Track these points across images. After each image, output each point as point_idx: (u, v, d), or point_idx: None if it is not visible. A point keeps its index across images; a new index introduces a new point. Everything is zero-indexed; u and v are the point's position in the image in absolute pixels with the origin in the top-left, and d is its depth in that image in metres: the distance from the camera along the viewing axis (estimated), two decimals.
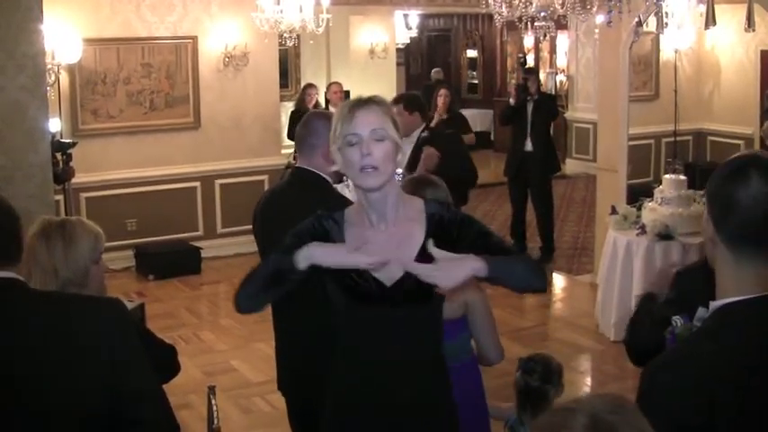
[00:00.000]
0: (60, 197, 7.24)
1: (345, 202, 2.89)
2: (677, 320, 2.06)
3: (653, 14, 5.58)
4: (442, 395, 2.51)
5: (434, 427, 2.48)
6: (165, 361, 2.82)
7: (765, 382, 1.62)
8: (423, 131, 6.17)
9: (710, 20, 4.62)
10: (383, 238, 2.39)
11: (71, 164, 7.05)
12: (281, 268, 2.35)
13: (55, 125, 7.10)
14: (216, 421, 3.12)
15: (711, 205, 1.70)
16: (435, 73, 15.18)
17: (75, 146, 7.13)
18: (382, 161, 2.32)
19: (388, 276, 2.37)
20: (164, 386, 3.14)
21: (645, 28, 6.73)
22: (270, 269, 2.38)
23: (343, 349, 2.49)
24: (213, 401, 3.20)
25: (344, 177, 2.47)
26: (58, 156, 6.94)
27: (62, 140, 7.18)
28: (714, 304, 1.72)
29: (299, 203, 2.50)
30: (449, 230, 2.41)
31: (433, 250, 2.26)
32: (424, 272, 2.23)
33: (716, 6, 4.87)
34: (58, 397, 2.03)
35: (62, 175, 7.02)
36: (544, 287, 2.48)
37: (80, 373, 2.05)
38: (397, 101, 6.11)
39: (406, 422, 2.43)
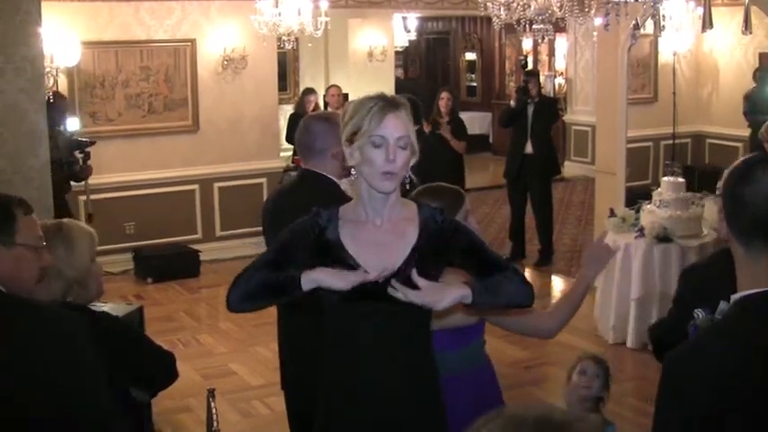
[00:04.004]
0: (83, 197, 7.27)
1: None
2: (699, 313, 2.12)
3: (650, 17, 5.59)
4: (431, 394, 2.51)
5: (423, 425, 2.49)
6: (164, 367, 2.84)
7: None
8: None
9: (707, 23, 4.63)
10: (378, 233, 2.43)
11: (89, 162, 7.08)
12: (283, 284, 2.37)
13: (73, 124, 7.12)
14: (215, 424, 3.12)
15: (724, 203, 1.80)
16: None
17: (94, 144, 7.16)
18: (401, 168, 2.37)
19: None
20: (163, 389, 3.15)
21: (643, 31, 6.75)
22: (271, 280, 2.40)
23: (331, 346, 2.49)
24: (213, 405, 3.20)
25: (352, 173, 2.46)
26: (77, 154, 7.00)
27: (80, 139, 7.20)
28: (734, 297, 1.80)
29: (308, 206, 2.51)
30: (441, 235, 2.44)
31: (419, 280, 2.32)
32: (413, 296, 2.29)
33: (714, 9, 4.88)
34: (5, 407, 2.02)
35: (80, 173, 7.05)
36: (530, 303, 2.51)
37: (25, 384, 2.03)
38: None
39: (396, 419, 2.44)
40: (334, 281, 2.33)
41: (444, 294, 2.32)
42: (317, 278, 2.34)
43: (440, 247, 2.44)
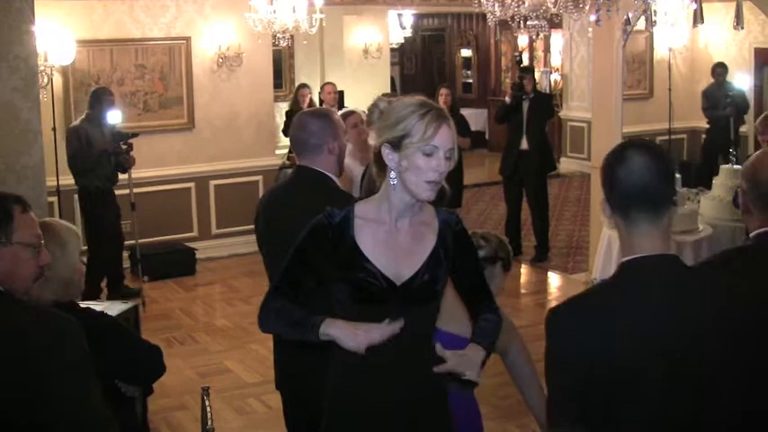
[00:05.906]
0: (126, 191, 7.30)
1: (350, 200, 2.89)
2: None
3: (642, 13, 5.60)
4: (440, 396, 2.52)
5: (433, 427, 2.50)
6: (152, 362, 2.85)
7: (649, 332, 1.87)
8: None
9: (699, 18, 4.65)
10: (398, 237, 2.44)
11: (132, 153, 7.14)
12: (303, 327, 2.42)
13: (115, 117, 7.14)
14: (209, 423, 3.12)
15: (603, 182, 2.00)
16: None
17: (137, 136, 7.21)
18: (444, 178, 2.40)
19: (398, 276, 2.41)
20: (158, 387, 3.16)
21: (637, 26, 6.75)
22: (294, 321, 2.44)
23: (342, 349, 2.48)
24: (207, 403, 3.20)
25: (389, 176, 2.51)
26: (121, 145, 7.07)
27: (121, 131, 7.21)
28: (619, 263, 2.00)
29: (305, 203, 2.50)
30: (456, 242, 2.49)
31: (443, 352, 2.36)
32: (453, 365, 2.36)
33: (709, 5, 4.90)
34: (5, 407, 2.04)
35: (125, 164, 7.08)
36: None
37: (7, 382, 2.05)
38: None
39: (406, 421, 2.44)
40: (348, 341, 2.33)
41: (473, 364, 2.39)
42: (333, 334, 2.34)
43: (453, 254, 2.47)
